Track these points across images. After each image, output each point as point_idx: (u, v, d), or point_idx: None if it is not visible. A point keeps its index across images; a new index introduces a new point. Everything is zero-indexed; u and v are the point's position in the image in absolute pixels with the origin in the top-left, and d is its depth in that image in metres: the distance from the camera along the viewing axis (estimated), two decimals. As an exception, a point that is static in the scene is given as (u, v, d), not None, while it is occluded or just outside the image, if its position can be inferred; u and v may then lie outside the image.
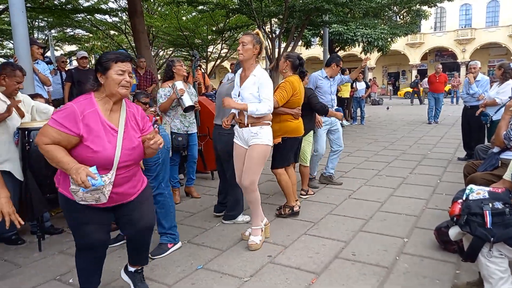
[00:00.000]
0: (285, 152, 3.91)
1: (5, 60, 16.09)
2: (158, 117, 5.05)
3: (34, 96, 3.87)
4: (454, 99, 20.89)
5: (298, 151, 4.27)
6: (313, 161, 4.96)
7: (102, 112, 2.07)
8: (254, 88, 3.12)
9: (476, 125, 6.36)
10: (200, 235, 3.55)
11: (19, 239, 3.48)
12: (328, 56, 14.68)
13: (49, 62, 6.96)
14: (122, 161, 2.07)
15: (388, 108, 18.31)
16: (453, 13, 34.37)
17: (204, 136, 5.36)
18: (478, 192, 2.23)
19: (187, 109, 4.19)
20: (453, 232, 2.25)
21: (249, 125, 3.18)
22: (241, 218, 3.87)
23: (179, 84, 4.13)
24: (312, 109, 4.39)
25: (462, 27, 34.23)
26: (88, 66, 7.24)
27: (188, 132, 4.47)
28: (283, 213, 3.94)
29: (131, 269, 2.55)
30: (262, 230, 3.32)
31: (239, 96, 3.21)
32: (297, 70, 3.94)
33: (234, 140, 3.37)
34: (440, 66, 11.98)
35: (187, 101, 4.12)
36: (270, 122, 3.29)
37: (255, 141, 3.17)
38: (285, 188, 3.92)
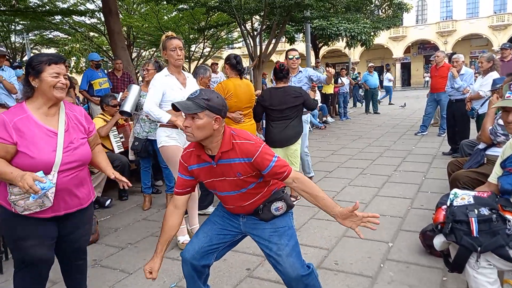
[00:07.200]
0: None
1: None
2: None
3: None
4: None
5: None
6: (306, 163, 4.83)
7: (37, 117, 1.97)
8: None
9: (461, 119, 6.27)
10: (175, 247, 3.34)
11: (-21, 261, 3.23)
12: (312, 52, 14.65)
13: (18, 67, 6.62)
14: (65, 162, 1.98)
15: (404, 105, 14.86)
16: (434, 6, 34.65)
17: None
18: (462, 197, 2.07)
19: (121, 113, 4.11)
20: (438, 241, 2.10)
21: None
22: (211, 209, 4.01)
23: (131, 87, 4.06)
24: (298, 110, 4.14)
25: (443, 19, 34.50)
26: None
27: (149, 138, 4.25)
28: None
29: None
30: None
31: None
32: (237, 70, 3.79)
33: None
34: (440, 54, 7.64)
35: (125, 105, 4.05)
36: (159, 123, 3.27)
37: None
38: None
